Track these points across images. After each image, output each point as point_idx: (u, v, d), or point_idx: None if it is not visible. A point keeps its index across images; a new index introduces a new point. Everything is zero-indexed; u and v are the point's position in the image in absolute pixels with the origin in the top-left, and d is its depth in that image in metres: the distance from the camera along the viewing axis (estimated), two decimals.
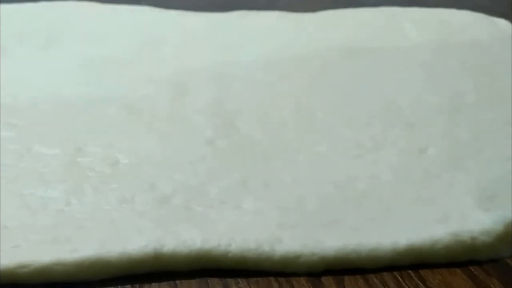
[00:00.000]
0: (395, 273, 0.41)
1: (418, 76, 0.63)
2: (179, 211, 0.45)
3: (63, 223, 0.43)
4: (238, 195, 0.46)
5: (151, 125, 0.56)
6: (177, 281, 0.41)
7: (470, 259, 0.42)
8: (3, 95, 0.59)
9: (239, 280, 0.41)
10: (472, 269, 0.42)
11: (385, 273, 0.41)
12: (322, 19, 0.76)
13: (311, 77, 0.63)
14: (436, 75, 0.63)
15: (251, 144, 0.53)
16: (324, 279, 0.41)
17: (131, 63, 0.67)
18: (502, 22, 0.74)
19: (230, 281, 0.41)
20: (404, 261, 0.42)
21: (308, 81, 0.63)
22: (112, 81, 0.63)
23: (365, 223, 0.44)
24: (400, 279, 0.41)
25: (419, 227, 0.43)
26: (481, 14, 0.76)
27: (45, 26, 0.75)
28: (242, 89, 0.62)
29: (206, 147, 0.52)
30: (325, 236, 0.42)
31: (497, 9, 0.77)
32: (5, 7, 0.77)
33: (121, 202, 0.46)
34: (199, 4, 0.81)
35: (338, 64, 0.66)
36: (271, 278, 0.41)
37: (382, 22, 0.75)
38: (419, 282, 0.41)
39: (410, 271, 0.41)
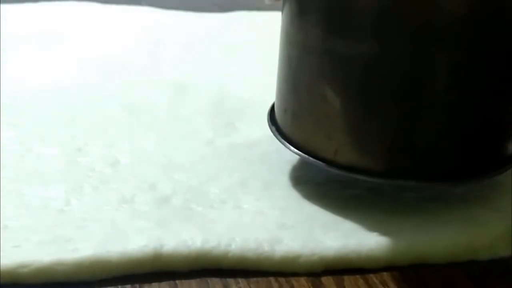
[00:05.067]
0: (395, 273, 0.41)
1: None
2: (179, 211, 0.45)
3: (63, 223, 0.43)
4: (238, 195, 0.47)
5: (151, 125, 0.56)
6: (177, 281, 0.41)
7: (470, 259, 0.42)
8: (3, 95, 0.59)
9: (239, 280, 0.41)
10: (472, 269, 0.42)
11: (385, 273, 0.41)
12: None
13: None
14: None
15: (251, 144, 0.53)
16: (324, 279, 0.41)
17: (131, 63, 0.67)
18: None
19: (230, 281, 0.41)
20: (404, 261, 0.42)
21: None
22: (112, 81, 0.63)
23: (365, 223, 0.44)
24: (400, 279, 0.41)
25: (419, 227, 0.43)
26: None
27: (45, 26, 0.75)
28: (242, 89, 0.62)
29: (206, 147, 0.52)
30: (325, 236, 0.43)
31: None
32: (5, 7, 0.78)
33: (121, 202, 0.46)
34: (199, 4, 0.81)
35: None
36: (271, 278, 0.41)
37: None
38: (419, 282, 0.41)
39: (410, 271, 0.41)
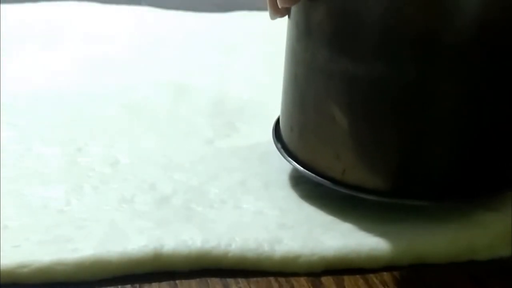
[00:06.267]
0: (395, 273, 0.41)
1: None
2: (179, 211, 0.45)
3: (63, 223, 0.43)
4: (238, 195, 0.47)
5: (151, 125, 0.56)
6: (177, 281, 0.41)
7: (470, 259, 0.42)
8: (3, 95, 0.59)
9: (239, 280, 0.41)
10: (472, 269, 0.42)
11: (385, 273, 0.41)
12: None
13: None
14: None
15: (251, 144, 0.53)
16: (324, 279, 0.41)
17: (131, 63, 0.67)
18: None
19: (230, 281, 0.41)
20: (404, 261, 0.42)
21: None
22: (112, 81, 0.63)
23: (365, 223, 0.44)
24: (400, 279, 0.41)
25: (419, 227, 0.43)
26: None
27: (45, 26, 0.75)
28: (242, 89, 0.62)
29: (206, 147, 0.52)
30: (325, 236, 0.43)
31: None
32: (5, 7, 0.78)
33: (121, 202, 0.46)
34: (199, 4, 0.81)
35: None
36: (271, 278, 0.41)
37: None
38: (419, 282, 0.41)
39: (410, 271, 0.41)
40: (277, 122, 0.50)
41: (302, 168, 0.45)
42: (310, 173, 0.45)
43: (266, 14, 0.78)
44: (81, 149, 0.52)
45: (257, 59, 0.68)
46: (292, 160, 0.46)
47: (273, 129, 0.49)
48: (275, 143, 0.48)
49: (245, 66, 0.66)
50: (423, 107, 0.41)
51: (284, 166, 0.49)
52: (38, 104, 0.58)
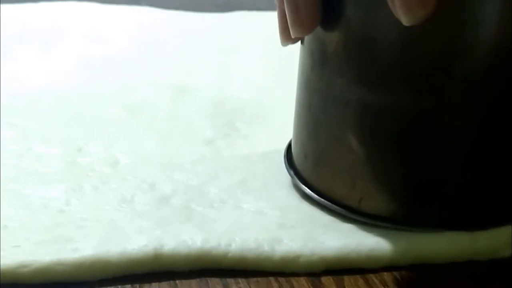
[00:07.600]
0: (395, 273, 0.41)
1: None
2: (179, 211, 0.45)
3: (63, 223, 0.43)
4: (238, 195, 0.47)
5: (151, 125, 0.56)
6: (177, 281, 0.41)
7: (470, 259, 0.42)
8: (3, 95, 0.59)
9: (239, 280, 0.41)
10: (472, 269, 0.42)
11: (385, 273, 0.41)
12: None
13: None
14: None
15: (251, 144, 0.53)
16: (324, 279, 0.41)
17: (131, 63, 0.67)
18: None
19: (230, 281, 0.41)
20: (404, 261, 0.42)
21: None
22: (112, 81, 0.63)
23: (365, 223, 0.44)
24: (400, 279, 0.41)
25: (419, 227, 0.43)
26: None
27: (45, 26, 0.75)
28: (242, 89, 0.62)
29: (206, 147, 0.52)
30: (325, 236, 0.43)
31: None
32: (5, 7, 0.78)
33: (121, 202, 0.46)
34: (199, 4, 0.81)
35: None
36: (271, 278, 0.41)
37: None
38: (419, 282, 0.41)
39: (410, 271, 0.41)
40: (289, 147, 0.49)
41: (317, 196, 0.45)
42: (325, 201, 0.44)
43: (266, 14, 0.78)
44: (81, 149, 0.52)
45: (257, 59, 0.68)
46: (306, 188, 0.46)
47: (284, 155, 0.49)
48: (287, 169, 0.48)
49: (245, 66, 0.66)
50: (440, 136, 0.40)
51: (284, 165, 0.49)
52: (38, 104, 0.58)
